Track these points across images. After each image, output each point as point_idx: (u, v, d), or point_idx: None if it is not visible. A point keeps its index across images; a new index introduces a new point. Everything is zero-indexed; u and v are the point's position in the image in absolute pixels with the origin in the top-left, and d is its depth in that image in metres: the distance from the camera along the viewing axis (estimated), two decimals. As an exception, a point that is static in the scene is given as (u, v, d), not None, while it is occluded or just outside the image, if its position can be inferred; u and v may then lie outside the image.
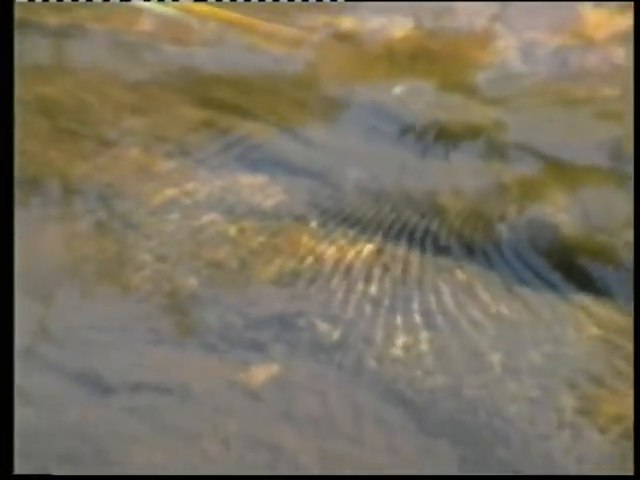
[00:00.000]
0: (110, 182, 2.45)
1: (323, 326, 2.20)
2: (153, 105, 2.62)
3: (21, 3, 2.82)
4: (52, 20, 2.81)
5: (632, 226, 2.41)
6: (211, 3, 2.83)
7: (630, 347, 2.21)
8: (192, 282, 2.29)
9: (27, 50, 2.71)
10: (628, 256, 2.35)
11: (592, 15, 2.94)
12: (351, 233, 2.39)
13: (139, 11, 2.89)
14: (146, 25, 2.83)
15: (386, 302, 2.25)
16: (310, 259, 2.32)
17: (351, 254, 2.35)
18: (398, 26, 2.90)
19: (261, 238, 2.37)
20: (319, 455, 2.03)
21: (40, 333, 2.21)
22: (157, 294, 2.28)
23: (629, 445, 2.05)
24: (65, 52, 2.84)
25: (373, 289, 2.28)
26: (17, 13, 2.70)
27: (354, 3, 2.84)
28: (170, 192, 2.43)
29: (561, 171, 2.53)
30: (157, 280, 2.30)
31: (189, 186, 2.44)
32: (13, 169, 2.13)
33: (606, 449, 2.03)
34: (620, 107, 2.67)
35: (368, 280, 2.29)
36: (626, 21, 2.77)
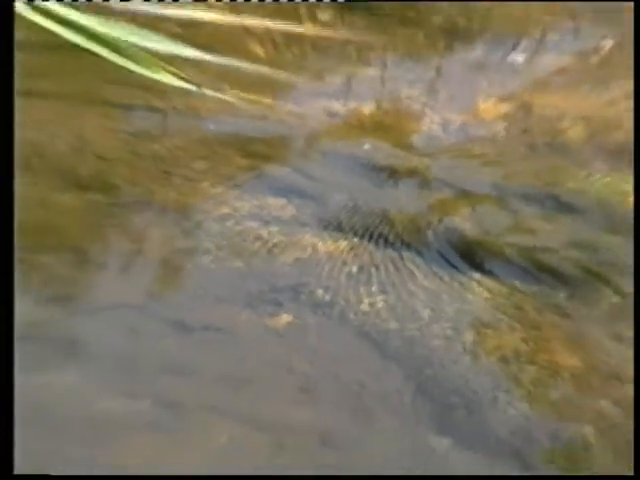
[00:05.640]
0: (189, 203, 2.39)
1: (319, 292, 2.18)
2: (214, 154, 2.52)
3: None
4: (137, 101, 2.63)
5: (512, 231, 2.35)
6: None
7: (508, 304, 2.18)
8: (238, 263, 2.23)
9: (138, 119, 2.62)
10: (508, 250, 2.28)
11: (483, 104, 2.73)
12: (335, 235, 2.33)
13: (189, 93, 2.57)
14: (195, 102, 2.61)
15: (358, 278, 2.22)
16: (310, 250, 2.28)
17: (335, 248, 2.30)
18: (366, 108, 2.71)
19: (281, 237, 2.31)
20: (320, 366, 2.02)
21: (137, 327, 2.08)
22: (217, 270, 2.21)
23: (502, 364, 2.04)
24: (155, 126, 2.61)
25: (349, 269, 2.25)
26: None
27: (342, 94, 2.75)
28: (225, 209, 2.38)
29: (466, 196, 2.46)
30: (218, 261, 2.24)
31: (237, 205, 2.39)
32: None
33: (492, 366, 2.03)
34: (499, 158, 2.57)
35: (345, 264, 2.26)
36: (505, 107, 2.73)
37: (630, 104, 2.67)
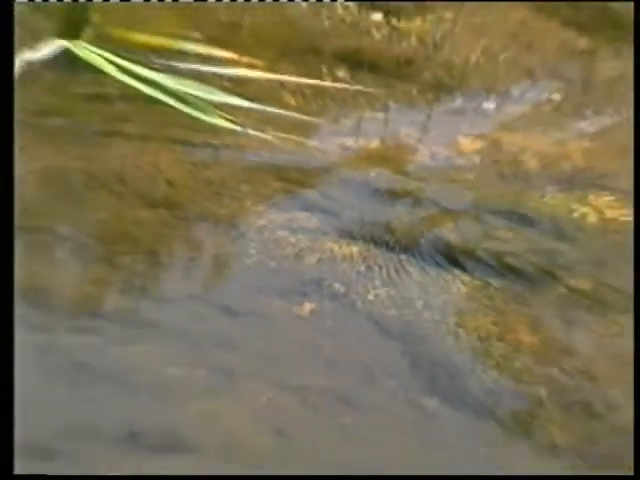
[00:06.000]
0: (235, 217, 2.36)
1: (336, 285, 2.18)
2: (255, 180, 2.50)
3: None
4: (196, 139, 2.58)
5: (485, 239, 2.35)
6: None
7: (482, 296, 2.19)
8: (273, 264, 2.23)
9: (197, 153, 2.55)
10: (482, 254, 2.28)
11: (463, 141, 2.72)
12: (349, 241, 2.31)
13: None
14: (241, 140, 2.57)
15: (366, 275, 2.22)
16: (329, 253, 2.27)
17: (348, 251, 2.28)
18: (373, 144, 2.72)
19: (307, 243, 2.30)
20: (337, 343, 2.02)
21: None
22: (257, 268, 2.20)
23: (478, 342, 2.04)
24: (211, 158, 2.55)
25: (359, 268, 2.23)
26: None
27: (354, 133, 2.77)
28: (263, 221, 2.37)
29: (450, 213, 2.46)
30: (257, 262, 2.22)
31: (272, 218, 2.38)
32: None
33: (470, 343, 2.04)
34: (476, 183, 2.59)
35: (356, 263, 2.25)
36: (479, 144, 2.73)
37: (577, 144, 2.75)
